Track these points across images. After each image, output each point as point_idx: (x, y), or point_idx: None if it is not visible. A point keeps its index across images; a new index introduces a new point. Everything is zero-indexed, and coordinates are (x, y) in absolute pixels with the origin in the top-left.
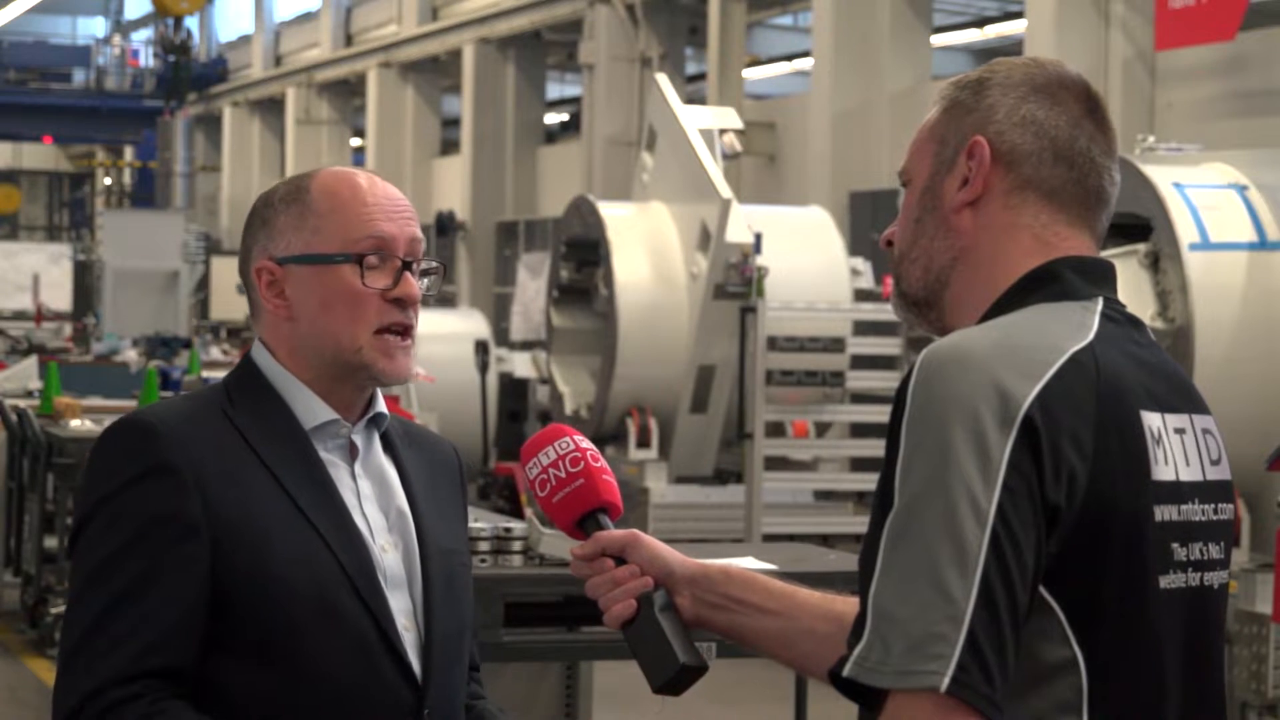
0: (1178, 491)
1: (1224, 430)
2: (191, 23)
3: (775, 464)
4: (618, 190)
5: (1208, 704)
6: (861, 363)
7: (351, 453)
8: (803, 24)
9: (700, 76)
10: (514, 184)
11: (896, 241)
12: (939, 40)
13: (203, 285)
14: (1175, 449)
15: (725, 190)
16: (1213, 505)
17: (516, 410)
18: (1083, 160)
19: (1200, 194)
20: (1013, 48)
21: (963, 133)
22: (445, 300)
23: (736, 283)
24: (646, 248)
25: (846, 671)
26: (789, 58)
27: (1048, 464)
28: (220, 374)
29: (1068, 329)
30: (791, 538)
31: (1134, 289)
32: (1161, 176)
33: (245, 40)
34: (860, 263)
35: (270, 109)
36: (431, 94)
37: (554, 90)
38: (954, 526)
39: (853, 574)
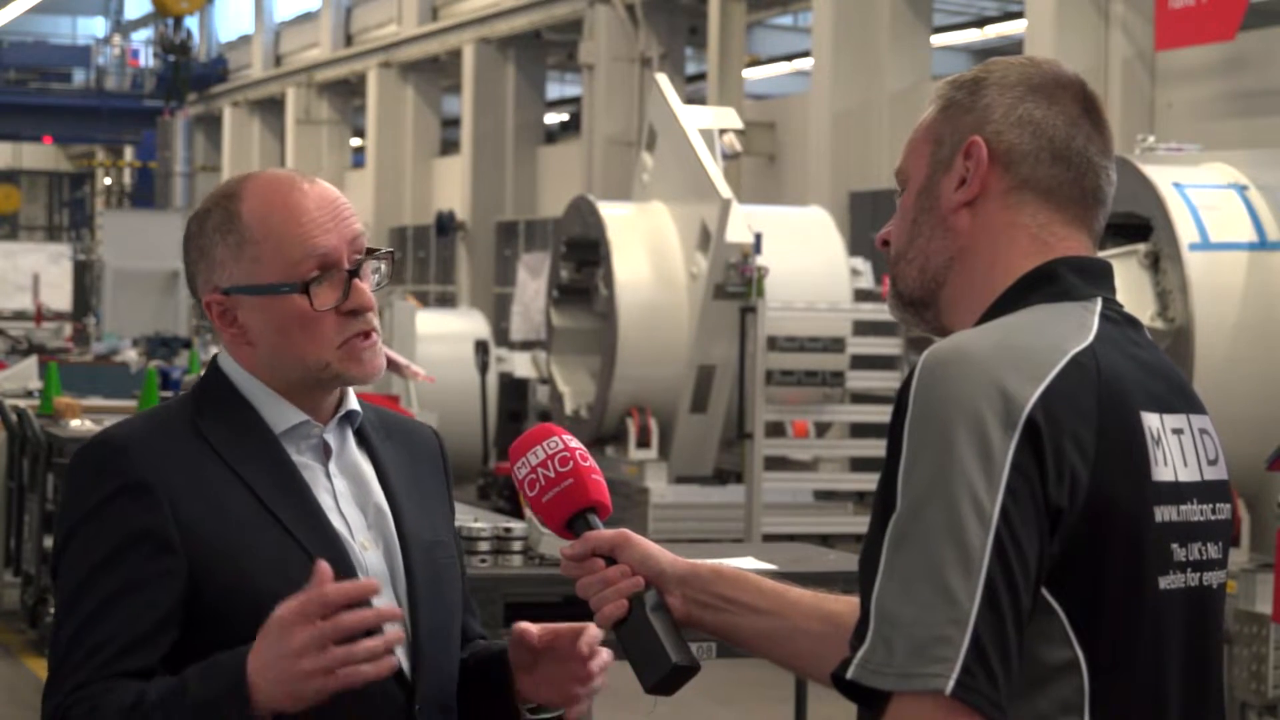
0: (1177, 492)
1: (1224, 430)
2: (191, 23)
3: (775, 464)
4: (618, 190)
5: (1208, 704)
6: (861, 363)
7: (325, 452)
8: (803, 24)
9: (700, 76)
10: (514, 184)
11: (893, 242)
12: (939, 40)
13: None
14: (1174, 449)
15: (725, 190)
16: (1211, 505)
17: (516, 410)
18: (1080, 160)
19: (1200, 194)
20: (1013, 48)
21: (960, 133)
22: (445, 300)
23: (736, 283)
24: (646, 248)
25: (850, 674)
26: (789, 58)
27: (1050, 465)
28: None
29: (1068, 330)
30: (791, 538)
31: (1134, 289)
32: (1161, 176)
33: (245, 40)
34: (860, 263)
35: (270, 109)
36: (431, 94)
37: (554, 90)
38: (957, 528)
39: (853, 574)
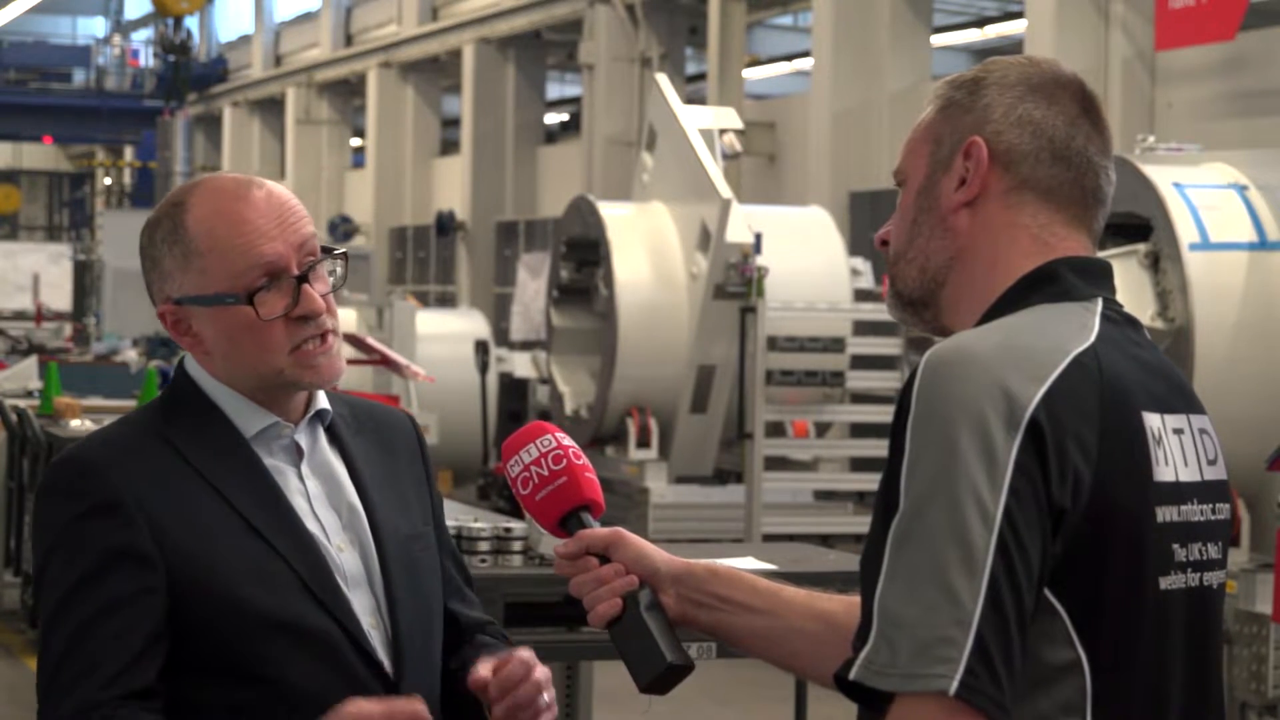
0: (1178, 492)
1: (1224, 430)
2: (191, 23)
3: (775, 464)
4: (618, 190)
5: (1209, 703)
6: (861, 363)
7: (297, 454)
8: (803, 24)
9: (700, 76)
10: (514, 184)
11: (892, 241)
12: (939, 40)
13: None
14: (1174, 449)
15: (725, 190)
16: (1210, 505)
17: (516, 410)
18: (1080, 159)
19: (1200, 194)
20: (1013, 48)
21: (959, 133)
22: (445, 300)
23: (736, 283)
24: (646, 248)
25: (853, 674)
26: (789, 58)
27: (1053, 466)
28: None
29: (1070, 330)
30: (791, 538)
31: (1134, 289)
32: (1161, 176)
33: (245, 40)
34: (860, 263)
35: (270, 109)
36: (431, 94)
37: (554, 90)
38: (960, 529)
39: (852, 574)
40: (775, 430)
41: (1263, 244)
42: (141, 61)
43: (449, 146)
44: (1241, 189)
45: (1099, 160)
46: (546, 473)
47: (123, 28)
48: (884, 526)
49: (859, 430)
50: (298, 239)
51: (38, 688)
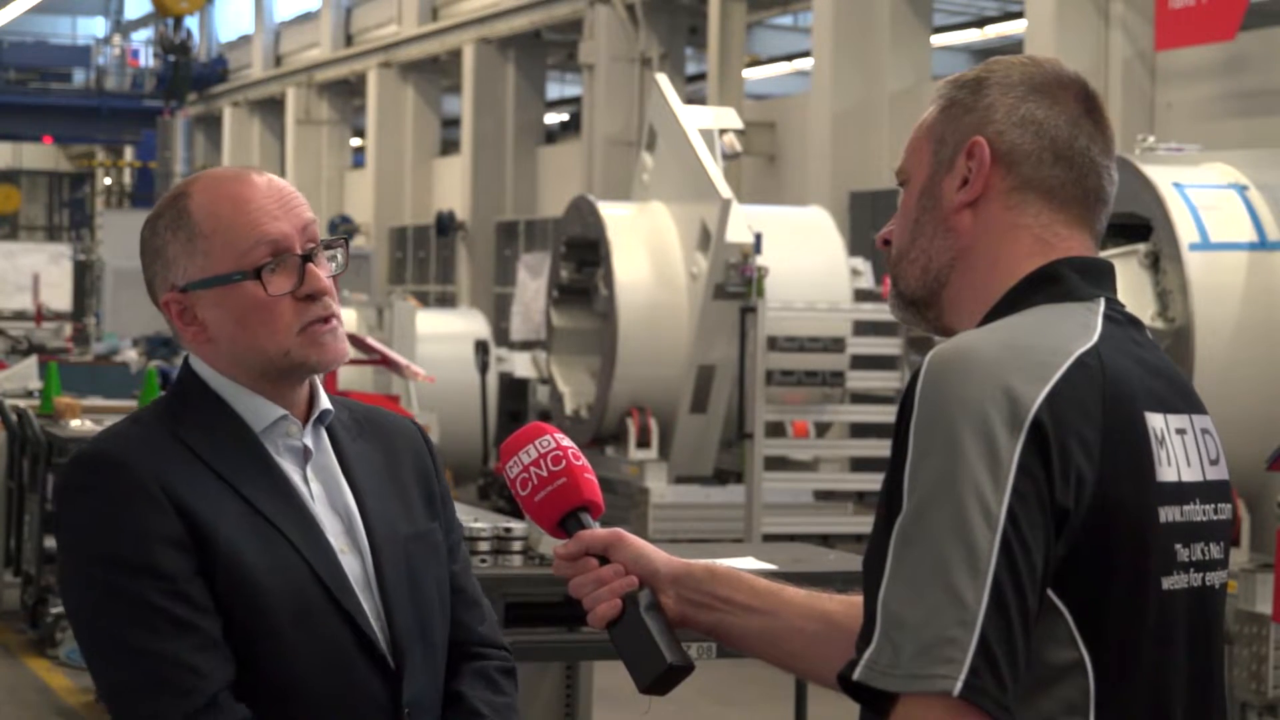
0: (1180, 492)
1: (1224, 430)
2: (191, 23)
3: (775, 464)
4: (618, 190)
5: (1211, 704)
6: (861, 363)
7: (304, 456)
8: (803, 24)
9: (700, 76)
10: (514, 184)
11: (895, 241)
12: (939, 40)
13: None
14: (1177, 450)
15: (725, 190)
16: (1213, 505)
17: (516, 410)
18: (1082, 160)
19: (1200, 194)
20: (1013, 48)
21: (961, 133)
22: (445, 300)
23: (736, 283)
24: (646, 248)
25: (856, 675)
26: (789, 58)
27: (1056, 467)
28: None
29: (1072, 330)
30: (791, 538)
31: (1134, 289)
32: (1161, 176)
33: (245, 40)
34: (860, 263)
35: (270, 109)
36: (431, 94)
37: (554, 90)
38: (964, 529)
39: (852, 574)
40: (775, 430)
41: (1263, 244)
42: (141, 61)
43: (449, 146)
44: (1241, 189)
45: (1101, 160)
46: (545, 474)
47: (123, 28)
48: (887, 527)
49: (859, 430)
50: (300, 222)
51: (112, 697)
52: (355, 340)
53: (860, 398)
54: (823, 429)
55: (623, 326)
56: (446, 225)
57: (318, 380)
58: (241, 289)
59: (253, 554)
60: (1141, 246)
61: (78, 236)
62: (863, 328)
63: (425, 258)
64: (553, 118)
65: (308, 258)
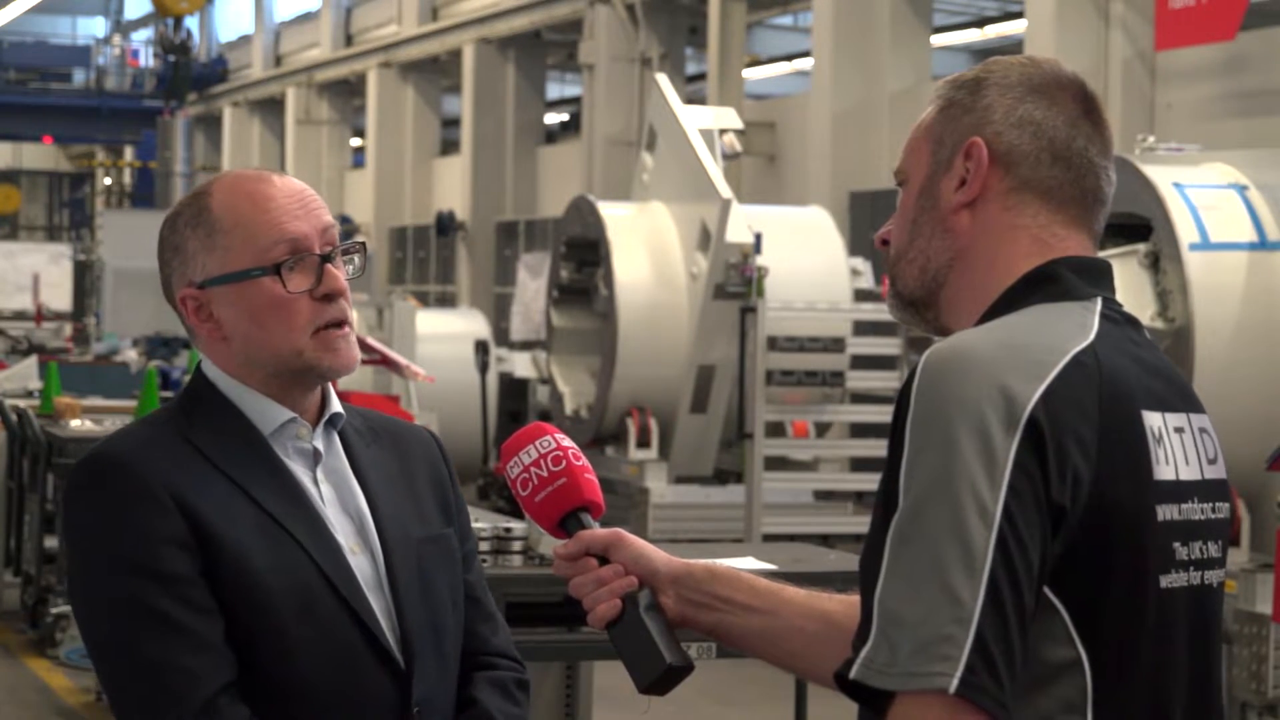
0: (1179, 491)
1: (1224, 430)
2: (191, 23)
3: (775, 464)
4: (618, 190)
5: (1210, 702)
6: (861, 363)
7: (314, 458)
8: (803, 24)
9: (700, 76)
10: (514, 184)
11: (893, 241)
12: (939, 40)
13: None
14: (1175, 448)
15: (725, 190)
16: (1211, 504)
17: (516, 410)
18: (1080, 161)
19: (1200, 194)
20: (1013, 48)
21: (960, 133)
22: (445, 300)
23: (736, 283)
24: (646, 248)
25: (853, 674)
26: (789, 58)
27: (1053, 465)
28: None
29: (1069, 329)
30: (791, 538)
31: (1134, 289)
32: (1161, 176)
33: (245, 40)
34: (860, 263)
35: (270, 109)
36: (431, 94)
37: (554, 90)
38: (960, 528)
39: (853, 574)
40: (775, 430)
41: (1263, 244)
42: (141, 61)
43: (449, 146)
44: (1241, 189)
45: (1099, 161)
46: (546, 474)
47: (123, 28)
48: (883, 526)
49: (859, 430)
50: (320, 224)
51: (118, 697)
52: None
53: (860, 398)
54: (823, 429)
55: (623, 326)
56: (446, 225)
57: (329, 385)
58: (259, 285)
59: (259, 554)
60: (1141, 246)
61: (78, 236)
62: (863, 328)
63: (425, 258)
64: (553, 118)
65: (326, 259)
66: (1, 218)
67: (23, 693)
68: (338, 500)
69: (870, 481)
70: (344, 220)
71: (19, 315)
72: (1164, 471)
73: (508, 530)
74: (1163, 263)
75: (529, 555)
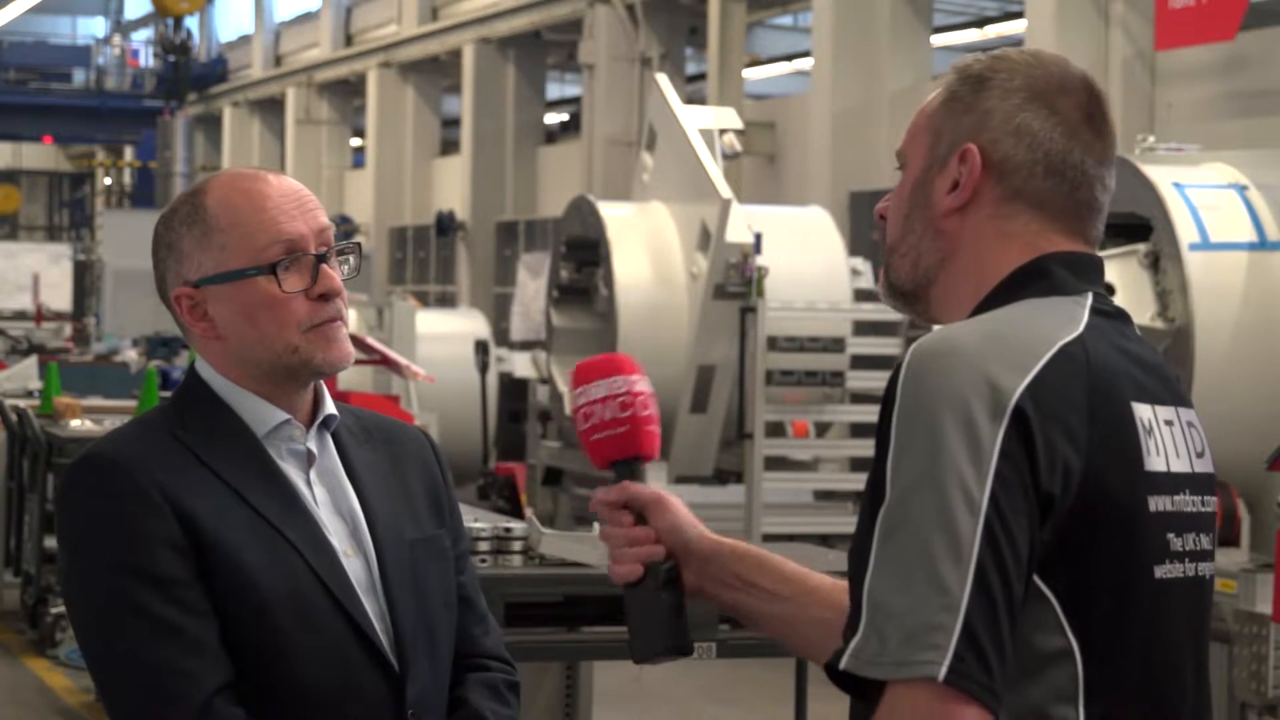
0: (1171, 482)
1: (1224, 430)
2: (191, 23)
3: (775, 464)
4: (618, 190)
5: (1199, 692)
6: (861, 363)
7: (307, 460)
8: (803, 24)
9: (700, 76)
10: (514, 184)
11: (888, 230)
12: (939, 40)
13: None
14: (1165, 440)
15: (725, 190)
16: (1200, 497)
17: (516, 410)
18: (1075, 173)
19: (1200, 194)
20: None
21: (957, 132)
22: (445, 300)
23: (736, 283)
24: (646, 248)
25: (843, 664)
26: (789, 58)
27: (1041, 453)
28: None
29: (1057, 322)
30: (791, 538)
31: (1134, 289)
32: (1161, 176)
33: (245, 40)
34: (860, 263)
35: (270, 109)
36: (431, 94)
37: (554, 90)
38: (947, 517)
39: None
40: (775, 430)
41: (1263, 244)
42: (141, 61)
43: (449, 146)
44: (1241, 189)
45: (1095, 171)
46: (610, 416)
47: (123, 28)
48: (871, 517)
49: (859, 430)
50: (316, 224)
51: (114, 702)
52: (355, 340)
53: (860, 398)
54: (823, 429)
55: (623, 326)
56: (446, 225)
57: (323, 385)
58: (255, 284)
59: (252, 556)
60: (1141, 246)
61: (78, 236)
62: (863, 328)
63: (425, 258)
64: (553, 118)
65: (322, 259)
66: (1, 218)
67: (23, 693)
68: (331, 502)
69: None
70: (344, 220)
71: (19, 315)
72: (1155, 463)
73: (508, 530)
74: (1163, 263)
75: (529, 555)
